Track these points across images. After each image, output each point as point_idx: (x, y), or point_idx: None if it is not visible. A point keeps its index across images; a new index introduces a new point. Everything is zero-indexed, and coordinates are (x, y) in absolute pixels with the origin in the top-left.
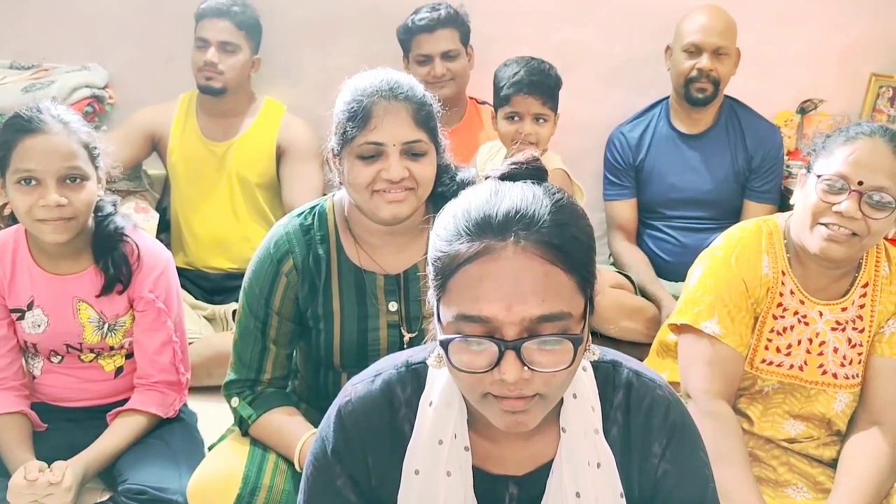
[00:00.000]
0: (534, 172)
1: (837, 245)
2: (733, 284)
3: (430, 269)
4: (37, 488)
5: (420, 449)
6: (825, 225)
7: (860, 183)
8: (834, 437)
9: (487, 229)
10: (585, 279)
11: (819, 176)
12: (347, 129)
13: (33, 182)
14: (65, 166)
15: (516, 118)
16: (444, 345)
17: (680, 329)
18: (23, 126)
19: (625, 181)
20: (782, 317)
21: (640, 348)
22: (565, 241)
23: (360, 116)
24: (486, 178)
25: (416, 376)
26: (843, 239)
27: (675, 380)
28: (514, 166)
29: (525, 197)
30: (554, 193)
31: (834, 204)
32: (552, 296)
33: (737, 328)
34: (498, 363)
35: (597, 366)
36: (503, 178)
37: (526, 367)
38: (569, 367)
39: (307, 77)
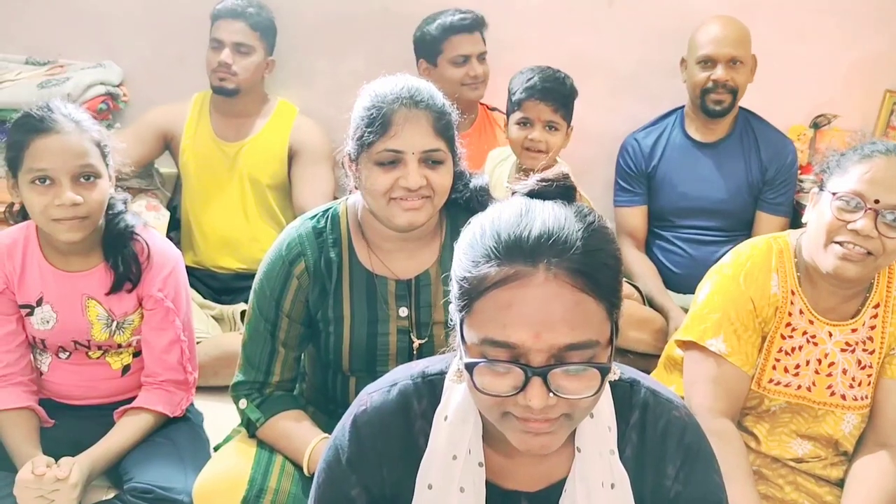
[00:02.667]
0: (563, 191)
1: (852, 264)
2: (741, 303)
3: (453, 286)
4: (44, 483)
5: (434, 464)
6: (840, 243)
7: (876, 201)
8: (841, 457)
9: (517, 254)
10: (613, 304)
11: (834, 194)
12: (366, 135)
13: (48, 182)
14: (78, 165)
15: (527, 124)
16: (469, 367)
17: (686, 345)
18: (35, 126)
19: (636, 188)
20: (791, 336)
21: (647, 359)
22: (596, 269)
23: (379, 123)
24: (513, 194)
25: (431, 388)
26: (858, 258)
27: (682, 395)
28: (543, 184)
29: (557, 219)
30: (585, 216)
31: (849, 222)
32: (581, 324)
33: (743, 347)
34: (523, 388)
35: (614, 384)
36: (532, 195)
37: (552, 394)
38: (595, 393)
39: (320, 79)
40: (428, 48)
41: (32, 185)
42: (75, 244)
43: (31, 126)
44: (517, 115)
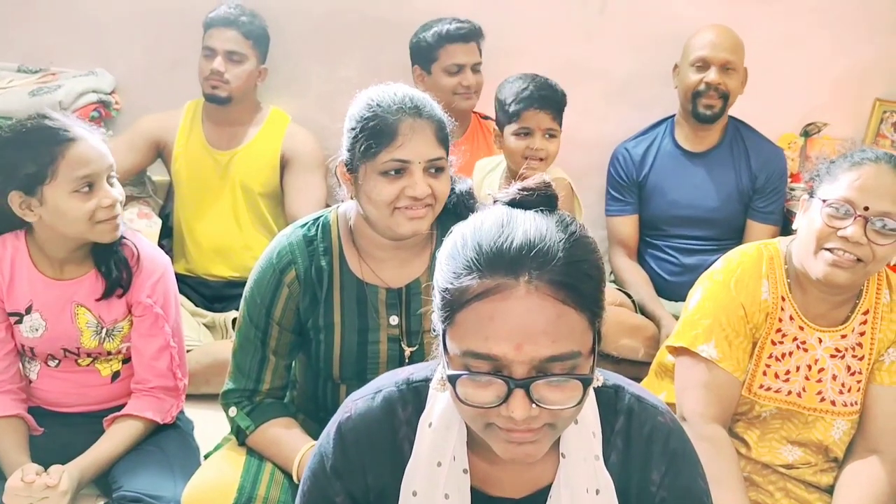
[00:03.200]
0: (545, 200)
1: (842, 270)
2: (732, 309)
3: (436, 296)
4: (33, 490)
5: (418, 470)
6: (830, 250)
7: (866, 208)
8: (831, 463)
9: (499, 266)
10: (595, 314)
11: (824, 201)
12: (371, 145)
13: (89, 187)
14: (108, 165)
15: (527, 134)
16: (452, 379)
17: (677, 351)
18: (62, 135)
19: (627, 197)
20: (781, 342)
21: (638, 367)
22: (578, 280)
23: (386, 133)
24: (494, 202)
25: (416, 395)
26: (848, 264)
27: (673, 401)
28: (525, 193)
29: (538, 230)
30: (567, 226)
31: (839, 229)
32: (563, 336)
33: (734, 353)
34: (506, 400)
35: (598, 390)
36: (513, 204)
37: (534, 405)
38: (578, 404)
39: (313, 87)
40: (423, 55)
41: (75, 193)
42: (76, 252)
43: (59, 136)
44: (515, 126)
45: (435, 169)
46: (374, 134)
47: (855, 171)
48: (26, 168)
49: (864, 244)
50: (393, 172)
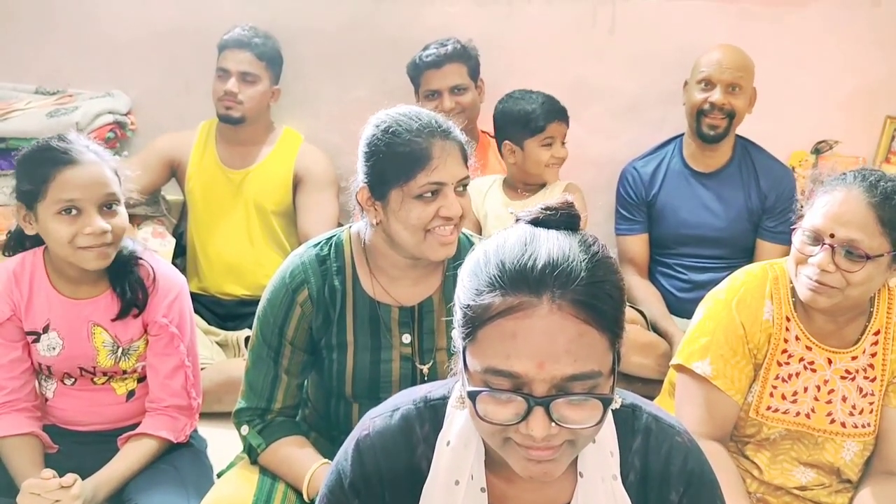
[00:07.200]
0: (568, 219)
1: (820, 296)
2: (731, 329)
3: (457, 313)
4: (47, 488)
5: (436, 489)
6: (807, 276)
7: (832, 236)
8: (845, 483)
9: (522, 284)
10: (616, 335)
11: (802, 227)
12: (405, 169)
13: (74, 211)
14: (104, 194)
15: (549, 144)
16: (472, 395)
17: (678, 368)
18: (60, 158)
19: (637, 216)
20: (787, 363)
21: (651, 385)
22: (600, 300)
23: (421, 157)
24: (517, 221)
25: (434, 413)
26: (825, 290)
27: None
28: (548, 212)
29: (562, 249)
30: (590, 246)
31: (810, 256)
32: (584, 355)
33: (729, 371)
34: (525, 417)
35: (615, 410)
36: (536, 223)
37: (554, 423)
38: (597, 423)
39: (325, 107)
40: (412, 81)
41: (59, 215)
42: (89, 272)
43: (56, 158)
44: (540, 138)
45: (462, 187)
46: (408, 158)
47: (826, 197)
48: (25, 184)
49: (831, 272)
50: (429, 195)
